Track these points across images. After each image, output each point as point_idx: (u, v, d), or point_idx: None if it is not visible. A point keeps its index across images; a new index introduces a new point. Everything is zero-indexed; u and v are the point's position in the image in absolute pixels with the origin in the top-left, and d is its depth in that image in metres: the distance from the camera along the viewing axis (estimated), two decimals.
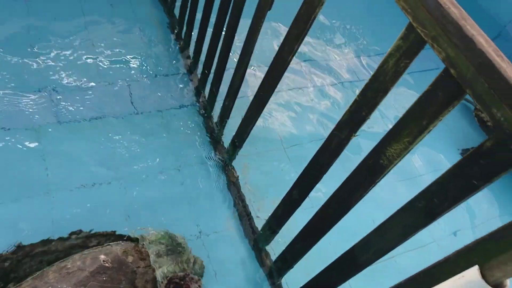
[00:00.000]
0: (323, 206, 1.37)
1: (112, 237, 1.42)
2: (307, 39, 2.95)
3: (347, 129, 1.20)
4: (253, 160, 2.23)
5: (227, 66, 1.95)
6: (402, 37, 0.96)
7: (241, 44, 1.71)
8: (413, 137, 0.98)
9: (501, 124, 0.77)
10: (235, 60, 1.82)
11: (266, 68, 1.58)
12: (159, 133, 2.17)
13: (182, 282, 1.36)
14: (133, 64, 2.40)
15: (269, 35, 2.82)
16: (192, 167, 2.10)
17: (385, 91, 1.05)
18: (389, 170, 1.08)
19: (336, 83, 2.77)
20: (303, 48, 2.85)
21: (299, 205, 1.54)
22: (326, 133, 2.43)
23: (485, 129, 2.60)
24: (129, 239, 1.58)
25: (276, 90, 2.52)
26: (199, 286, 1.40)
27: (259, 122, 2.38)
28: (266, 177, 2.20)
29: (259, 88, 1.66)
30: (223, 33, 1.87)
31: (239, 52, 1.77)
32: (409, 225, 1.03)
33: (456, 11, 0.83)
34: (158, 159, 2.07)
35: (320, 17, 3.13)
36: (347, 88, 2.77)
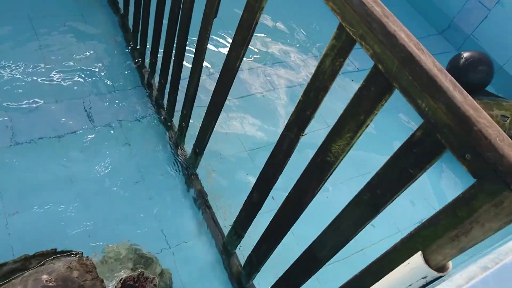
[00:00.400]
0: (280, 207, 1.39)
1: (53, 254, 1.39)
2: (272, 41, 3.00)
3: (295, 129, 1.23)
4: (217, 166, 2.24)
5: (185, 74, 1.96)
6: (335, 37, 0.99)
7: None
8: (354, 132, 1.01)
9: (426, 113, 0.80)
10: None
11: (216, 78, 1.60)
12: (119, 147, 2.15)
13: (137, 284, 1.35)
14: (89, 80, 2.38)
15: (228, 41, 2.84)
16: (154, 178, 2.09)
17: (325, 90, 1.08)
18: (336, 166, 1.11)
19: (296, 85, 2.81)
20: (269, 50, 2.89)
21: (260, 208, 1.56)
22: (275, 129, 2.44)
23: None
24: (72, 253, 1.54)
25: (240, 94, 2.55)
26: (155, 285, 1.39)
27: (222, 127, 2.40)
28: (232, 181, 2.21)
29: (212, 96, 1.67)
30: (175, 43, 1.88)
31: None
32: (358, 218, 1.06)
33: (379, 9, 0.87)
34: (119, 173, 2.05)
35: (278, 19, 3.17)
36: None
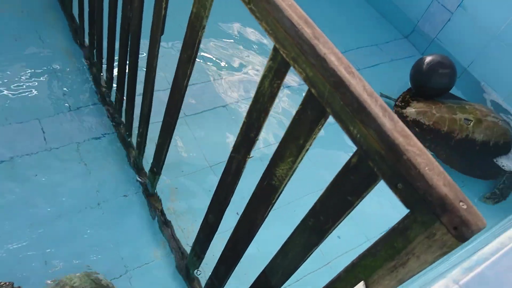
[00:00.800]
0: (234, 229, 1.34)
1: None
2: (235, 50, 2.95)
3: (242, 150, 1.19)
4: (180, 183, 2.18)
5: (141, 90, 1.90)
6: (271, 58, 0.96)
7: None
8: (295, 157, 0.97)
9: (358, 140, 0.77)
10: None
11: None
12: (75, 168, 2.07)
13: None
14: (45, 98, 2.29)
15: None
16: (113, 200, 2.02)
17: (266, 112, 1.04)
18: (282, 190, 1.07)
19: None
20: (232, 60, 2.84)
21: (216, 229, 1.51)
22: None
23: (405, 124, 2.68)
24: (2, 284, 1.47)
25: (202, 108, 2.50)
26: None
27: (184, 142, 2.34)
28: (194, 199, 2.15)
29: (165, 114, 1.62)
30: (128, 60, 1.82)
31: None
32: (305, 243, 1.02)
33: (309, 31, 0.83)
34: (76, 196, 1.98)
35: (246, 26, 3.13)
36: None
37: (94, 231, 1.91)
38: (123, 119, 2.18)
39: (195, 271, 1.79)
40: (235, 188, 1.30)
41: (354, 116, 0.76)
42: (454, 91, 3.19)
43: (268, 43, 3.11)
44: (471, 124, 2.63)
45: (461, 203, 0.65)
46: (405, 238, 0.73)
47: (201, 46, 2.88)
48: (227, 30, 3.08)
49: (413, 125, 2.66)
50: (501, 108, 3.07)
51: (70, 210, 1.93)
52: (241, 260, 1.38)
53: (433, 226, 0.67)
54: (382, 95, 2.92)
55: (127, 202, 2.03)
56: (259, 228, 1.23)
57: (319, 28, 0.85)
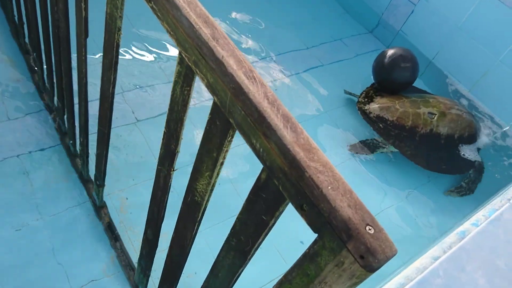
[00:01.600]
0: (169, 247, 1.24)
1: None
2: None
3: (166, 163, 1.08)
4: (131, 194, 2.07)
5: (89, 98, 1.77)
6: (178, 62, 0.85)
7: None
8: (211, 171, 0.87)
9: (261, 155, 0.67)
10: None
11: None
12: (17, 182, 1.94)
13: None
14: None
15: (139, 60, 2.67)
16: (58, 214, 1.89)
17: (181, 122, 0.94)
18: (205, 207, 0.97)
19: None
20: None
21: (156, 245, 1.40)
22: None
23: (369, 121, 2.61)
24: None
25: (156, 113, 2.38)
26: None
27: (135, 150, 2.23)
28: (146, 210, 2.03)
29: (98, 124, 1.50)
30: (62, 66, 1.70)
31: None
32: (231, 264, 0.93)
33: (208, 31, 0.73)
34: (16, 211, 1.85)
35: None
36: None
37: (37, 248, 1.78)
38: (68, 129, 2.05)
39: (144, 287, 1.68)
40: (165, 204, 1.21)
41: (256, 127, 0.66)
42: (419, 84, 3.14)
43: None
44: (435, 118, 2.58)
45: (368, 228, 0.56)
46: (316, 265, 0.64)
47: (154, 45, 2.77)
48: None
49: (377, 121, 2.59)
50: (466, 100, 3.03)
51: (8, 229, 1.80)
52: (192, 278, 1.28)
53: (340, 253, 0.58)
54: (346, 92, 2.85)
55: (72, 216, 1.91)
56: (191, 246, 1.13)
57: (220, 28, 0.75)
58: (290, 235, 2.06)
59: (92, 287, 1.76)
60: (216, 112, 0.77)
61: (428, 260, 0.86)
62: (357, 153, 2.56)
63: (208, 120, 0.81)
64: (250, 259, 0.87)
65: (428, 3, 3.12)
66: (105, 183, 1.82)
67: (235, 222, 0.85)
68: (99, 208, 1.91)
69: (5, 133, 2.09)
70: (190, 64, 0.78)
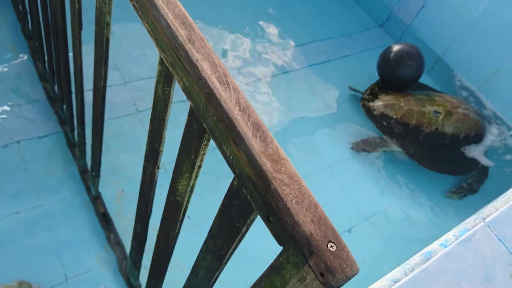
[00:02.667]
0: (155, 243, 1.24)
1: None
2: None
3: (151, 161, 1.08)
4: (127, 185, 2.07)
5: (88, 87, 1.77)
6: (160, 62, 0.84)
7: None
8: (190, 173, 0.86)
9: (231, 163, 0.66)
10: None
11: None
12: (16, 170, 1.96)
13: None
14: None
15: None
16: (56, 202, 1.91)
17: (163, 121, 0.93)
18: (186, 207, 0.96)
19: None
20: None
21: (145, 239, 1.41)
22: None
23: (372, 118, 2.57)
24: None
25: (146, 107, 2.37)
26: None
27: (134, 141, 2.23)
28: None
29: (92, 116, 1.50)
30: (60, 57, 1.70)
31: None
32: (208, 266, 0.92)
33: (185, 32, 0.72)
34: (16, 200, 1.87)
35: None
36: None
37: (33, 237, 1.80)
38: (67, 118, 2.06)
39: (136, 280, 1.70)
40: (151, 200, 1.20)
41: (227, 135, 0.65)
42: (427, 80, 3.08)
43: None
44: (441, 117, 2.53)
45: (329, 245, 0.55)
46: (282, 278, 0.63)
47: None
48: None
49: (380, 119, 2.55)
50: (474, 98, 2.96)
51: (7, 215, 1.82)
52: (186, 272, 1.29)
53: (303, 269, 0.57)
54: (350, 89, 2.80)
55: (70, 205, 1.93)
56: (174, 243, 1.12)
57: (198, 29, 0.73)
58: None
59: (85, 277, 1.77)
60: (192, 116, 0.76)
61: (387, 283, 0.84)
62: (359, 151, 2.53)
63: (186, 123, 0.80)
64: (225, 263, 0.87)
65: None
66: (102, 174, 1.83)
67: (212, 225, 0.84)
68: (95, 199, 1.92)
69: (6, 119, 2.11)
70: (168, 65, 0.77)
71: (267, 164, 0.59)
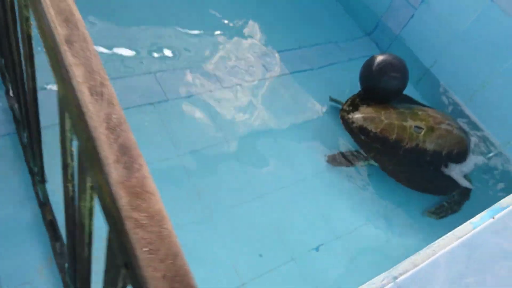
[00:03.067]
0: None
1: None
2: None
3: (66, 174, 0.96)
4: None
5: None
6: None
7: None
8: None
9: (95, 191, 0.54)
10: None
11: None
12: None
13: None
14: None
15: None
16: (2, 210, 1.79)
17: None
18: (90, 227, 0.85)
19: (195, 94, 2.54)
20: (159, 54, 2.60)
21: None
22: (170, 154, 2.20)
23: (350, 131, 2.46)
24: None
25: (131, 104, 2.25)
26: None
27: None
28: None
29: (26, 117, 1.39)
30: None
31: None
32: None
33: (64, 32, 0.60)
34: None
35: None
36: (205, 100, 2.54)
37: None
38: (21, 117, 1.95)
39: None
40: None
41: (93, 156, 0.54)
42: (414, 93, 2.97)
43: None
44: (422, 132, 2.41)
45: None
46: None
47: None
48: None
49: (359, 132, 2.44)
50: (460, 114, 2.85)
51: None
52: None
53: None
54: (331, 99, 2.69)
55: (17, 211, 1.81)
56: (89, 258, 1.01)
57: (85, 28, 0.62)
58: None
59: None
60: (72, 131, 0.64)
61: None
62: (335, 165, 2.42)
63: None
64: None
65: (429, 8, 2.93)
66: (53, 179, 1.72)
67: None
68: (43, 205, 1.80)
69: None
70: (51, 66, 0.66)
71: (123, 199, 0.48)
